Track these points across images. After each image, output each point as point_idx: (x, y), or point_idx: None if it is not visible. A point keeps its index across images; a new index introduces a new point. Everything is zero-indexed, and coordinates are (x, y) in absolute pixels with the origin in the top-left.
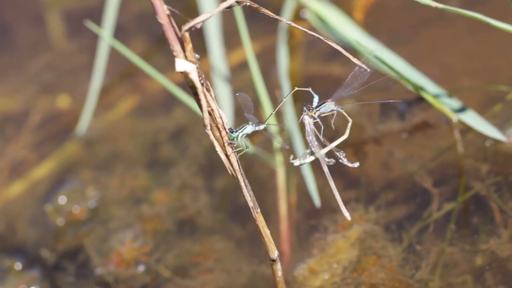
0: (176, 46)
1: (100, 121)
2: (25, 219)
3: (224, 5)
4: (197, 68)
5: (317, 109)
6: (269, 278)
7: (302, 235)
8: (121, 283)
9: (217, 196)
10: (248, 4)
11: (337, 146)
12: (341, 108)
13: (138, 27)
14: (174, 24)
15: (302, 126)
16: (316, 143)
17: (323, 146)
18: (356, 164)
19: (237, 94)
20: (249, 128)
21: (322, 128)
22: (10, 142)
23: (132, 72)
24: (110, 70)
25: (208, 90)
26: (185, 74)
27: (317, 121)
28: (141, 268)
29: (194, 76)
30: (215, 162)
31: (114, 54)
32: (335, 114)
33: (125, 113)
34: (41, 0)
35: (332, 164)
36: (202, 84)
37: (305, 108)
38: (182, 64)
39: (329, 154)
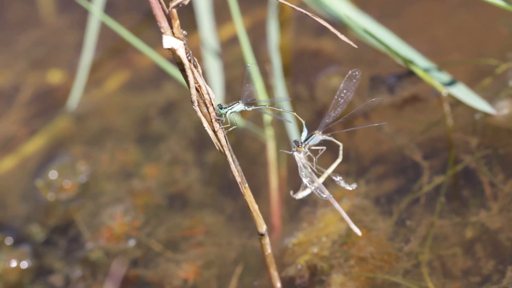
0: (163, 23)
1: (91, 96)
2: (16, 194)
3: None
4: (184, 44)
5: (306, 142)
6: (259, 251)
7: (292, 209)
8: (112, 258)
9: (207, 170)
10: None
11: (333, 171)
12: (329, 136)
13: (128, 2)
14: (161, 0)
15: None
16: (311, 175)
17: (318, 176)
18: (354, 186)
19: (247, 65)
20: (238, 107)
21: (315, 159)
22: (1, 117)
23: (123, 48)
24: (100, 45)
25: (195, 66)
26: (172, 51)
27: (309, 154)
28: (131, 243)
29: (182, 53)
30: (206, 136)
31: (104, 30)
32: (323, 150)
33: (115, 88)
34: None
35: (329, 199)
36: (190, 61)
37: (294, 144)
38: (170, 41)
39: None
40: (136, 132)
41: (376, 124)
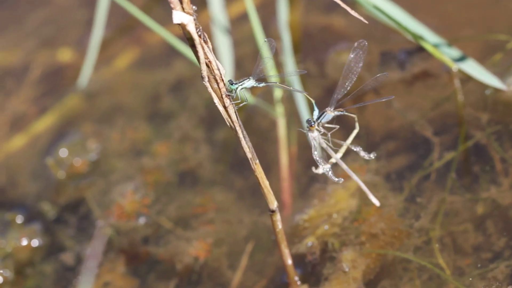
0: None
1: (101, 74)
2: (26, 173)
3: None
4: (194, 19)
5: (318, 121)
6: (270, 229)
7: (303, 186)
8: (123, 235)
9: (218, 148)
10: None
11: (352, 142)
12: (341, 111)
13: None
14: None
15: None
16: (328, 151)
17: (336, 151)
18: (374, 155)
19: (265, 40)
20: (249, 83)
21: (329, 135)
22: (11, 96)
23: (132, 25)
24: (110, 23)
25: (205, 41)
26: (182, 26)
27: (323, 131)
28: (142, 220)
29: (191, 28)
30: (216, 114)
31: (114, 7)
32: (336, 128)
33: (125, 66)
34: None
35: (341, 182)
36: (200, 36)
37: (306, 124)
38: (179, 16)
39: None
40: (146, 110)
41: (385, 99)
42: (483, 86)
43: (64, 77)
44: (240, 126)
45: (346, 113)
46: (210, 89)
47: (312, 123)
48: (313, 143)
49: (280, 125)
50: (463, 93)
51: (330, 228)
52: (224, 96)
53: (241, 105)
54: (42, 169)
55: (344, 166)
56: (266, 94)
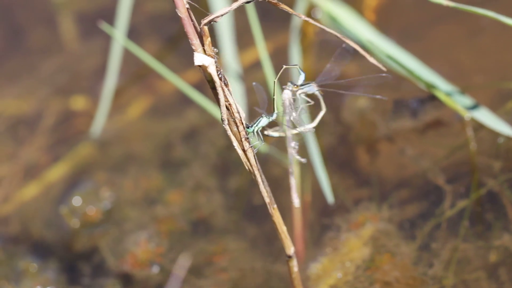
0: (195, 40)
1: (114, 122)
2: (40, 221)
3: None
4: (215, 62)
5: (301, 87)
6: (283, 277)
7: (316, 234)
8: (136, 284)
9: (231, 196)
10: None
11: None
12: (321, 94)
13: (151, 28)
14: (193, 18)
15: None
16: (290, 119)
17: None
18: (304, 160)
19: (253, 83)
20: (264, 121)
21: (300, 108)
22: (24, 144)
23: (145, 73)
24: (123, 71)
25: (226, 84)
26: (203, 68)
27: (296, 100)
28: (155, 269)
29: (213, 70)
30: (228, 162)
31: (126, 55)
32: (311, 103)
33: (138, 114)
34: (53, 2)
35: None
36: (220, 79)
37: (289, 83)
38: (201, 58)
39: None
40: (159, 158)
41: (379, 97)
42: (495, 134)
43: (77, 125)
44: (258, 169)
45: (321, 101)
46: (229, 132)
47: (296, 84)
48: (285, 102)
49: (294, 173)
50: (475, 141)
51: (344, 277)
52: (243, 139)
53: (258, 147)
54: (55, 218)
55: (291, 150)
56: (278, 142)
